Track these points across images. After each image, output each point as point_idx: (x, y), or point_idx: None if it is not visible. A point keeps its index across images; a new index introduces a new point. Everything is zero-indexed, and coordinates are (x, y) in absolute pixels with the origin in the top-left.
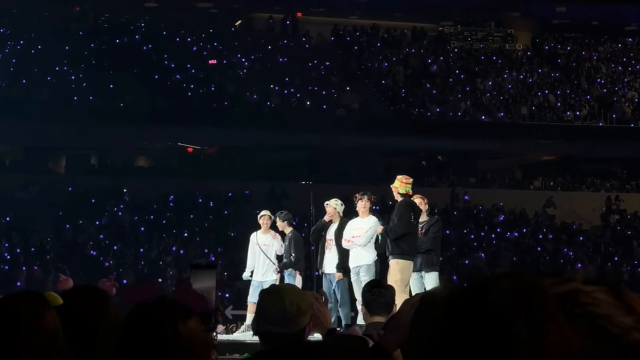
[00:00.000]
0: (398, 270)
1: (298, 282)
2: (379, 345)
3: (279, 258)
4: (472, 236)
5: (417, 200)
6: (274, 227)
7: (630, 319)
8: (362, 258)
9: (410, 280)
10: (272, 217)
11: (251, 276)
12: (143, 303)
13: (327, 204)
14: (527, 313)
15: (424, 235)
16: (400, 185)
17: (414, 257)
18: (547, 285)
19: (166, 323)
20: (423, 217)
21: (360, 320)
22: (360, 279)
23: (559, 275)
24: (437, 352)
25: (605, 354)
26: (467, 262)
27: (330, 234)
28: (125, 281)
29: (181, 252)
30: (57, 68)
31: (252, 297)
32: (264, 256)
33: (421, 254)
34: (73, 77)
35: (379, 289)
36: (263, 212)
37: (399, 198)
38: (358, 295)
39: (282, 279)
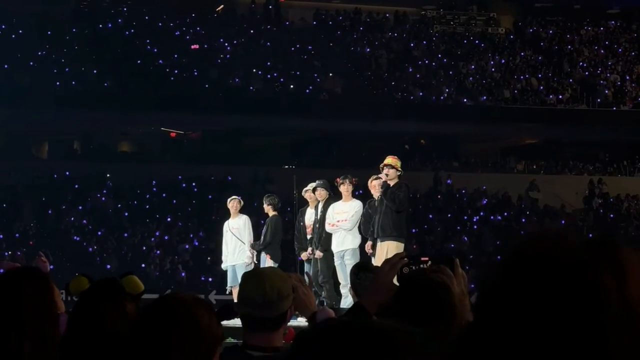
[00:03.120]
0: (395, 252)
1: (268, 265)
2: (359, 304)
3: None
4: (456, 220)
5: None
6: (258, 211)
7: None
8: (347, 242)
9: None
10: (242, 201)
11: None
12: (161, 296)
13: (306, 191)
14: (611, 263)
15: None
16: (399, 164)
17: (405, 239)
18: (612, 244)
19: (182, 315)
20: None
21: (344, 303)
22: (345, 262)
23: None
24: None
25: None
26: (452, 245)
27: (310, 219)
28: (109, 266)
29: (165, 237)
30: (39, 53)
31: (232, 282)
32: (235, 239)
33: None
34: (55, 63)
35: (365, 272)
36: (232, 197)
37: (395, 177)
38: (342, 279)
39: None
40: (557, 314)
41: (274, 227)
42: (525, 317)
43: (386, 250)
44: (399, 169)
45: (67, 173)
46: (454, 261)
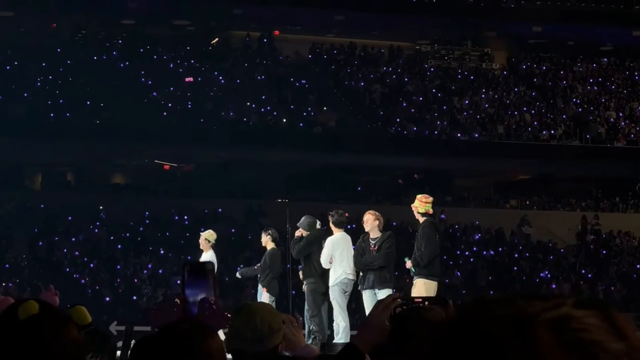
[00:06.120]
0: (424, 291)
1: (264, 299)
2: (351, 345)
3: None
4: (449, 255)
5: (371, 216)
6: (252, 243)
7: (622, 345)
8: (331, 278)
9: (363, 299)
10: (209, 239)
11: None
12: (170, 324)
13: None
14: (519, 341)
15: (376, 252)
16: (420, 205)
17: (438, 278)
18: (538, 310)
19: (196, 344)
20: (376, 234)
21: (336, 339)
22: (330, 297)
23: (549, 299)
24: None
25: None
26: (447, 281)
27: None
28: (108, 298)
29: (160, 271)
30: (33, 84)
31: None
32: None
33: (374, 271)
34: (49, 94)
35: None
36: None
37: (420, 218)
38: (332, 314)
39: (252, 296)
40: None
41: (271, 260)
42: None
43: (418, 286)
44: (420, 210)
45: (60, 204)
46: (447, 303)
